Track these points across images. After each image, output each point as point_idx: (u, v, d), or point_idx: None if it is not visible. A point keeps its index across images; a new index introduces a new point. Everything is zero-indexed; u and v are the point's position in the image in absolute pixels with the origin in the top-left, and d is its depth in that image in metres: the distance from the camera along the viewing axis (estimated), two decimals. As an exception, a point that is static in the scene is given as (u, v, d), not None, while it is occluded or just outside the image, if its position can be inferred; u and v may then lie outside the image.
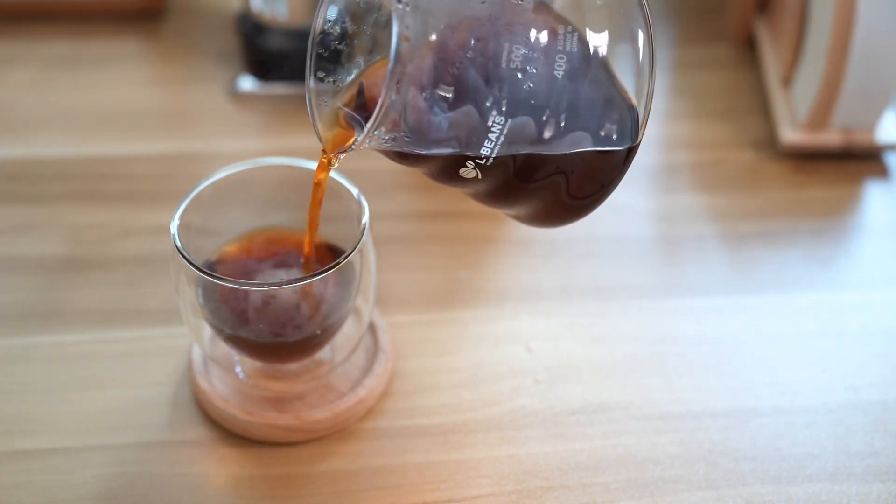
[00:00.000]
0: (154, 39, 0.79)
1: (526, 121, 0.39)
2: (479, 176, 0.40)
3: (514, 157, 0.40)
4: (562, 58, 0.38)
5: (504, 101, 0.38)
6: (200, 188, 0.49)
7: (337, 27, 0.41)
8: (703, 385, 0.54)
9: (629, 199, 0.66)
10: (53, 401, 0.52)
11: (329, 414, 0.50)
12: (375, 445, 0.51)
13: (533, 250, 0.62)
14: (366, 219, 0.48)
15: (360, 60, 0.42)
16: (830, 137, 0.68)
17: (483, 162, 0.39)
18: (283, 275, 0.50)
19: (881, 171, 0.68)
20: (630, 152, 0.41)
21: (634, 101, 0.40)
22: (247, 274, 0.50)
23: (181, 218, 0.48)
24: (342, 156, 0.43)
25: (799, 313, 0.58)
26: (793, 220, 0.65)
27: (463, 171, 0.40)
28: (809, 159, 0.69)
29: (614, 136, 0.40)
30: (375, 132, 0.38)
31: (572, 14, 0.39)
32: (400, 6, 0.36)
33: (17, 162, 0.67)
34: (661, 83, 0.76)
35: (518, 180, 0.41)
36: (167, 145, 0.69)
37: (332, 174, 0.48)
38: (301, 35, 0.71)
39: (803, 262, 0.62)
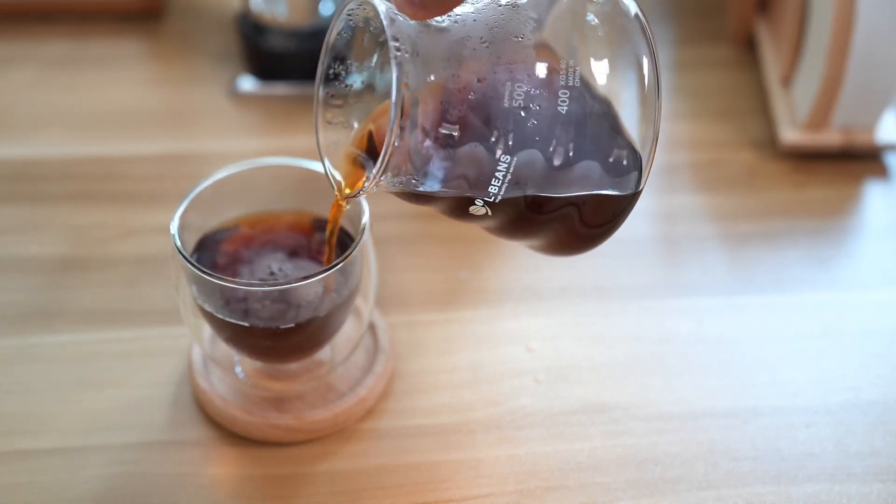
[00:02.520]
0: (154, 39, 0.79)
1: (531, 158, 0.38)
2: (489, 213, 0.40)
3: (523, 195, 0.39)
4: (565, 93, 0.38)
5: (509, 140, 0.38)
6: (200, 188, 0.49)
7: (342, 69, 0.41)
8: (703, 385, 0.54)
9: (629, 199, 0.66)
10: (53, 401, 0.52)
11: (329, 414, 0.50)
12: (375, 445, 0.51)
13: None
14: (366, 219, 0.48)
15: (367, 102, 0.42)
16: (830, 137, 0.68)
17: (491, 200, 0.39)
18: (285, 259, 0.50)
19: (881, 171, 0.68)
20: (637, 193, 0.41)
21: (638, 136, 0.40)
22: (248, 259, 0.50)
23: (181, 218, 0.48)
24: (352, 200, 0.43)
25: (799, 313, 0.58)
26: (793, 220, 0.65)
27: (472, 210, 0.40)
28: (809, 159, 0.69)
29: (624, 162, 0.40)
30: (382, 177, 0.38)
31: (576, 48, 0.39)
32: (399, 53, 0.36)
33: (17, 162, 0.67)
34: (662, 84, 0.76)
35: (529, 212, 0.40)
36: (167, 145, 0.69)
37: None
38: (301, 35, 0.71)
39: (803, 262, 0.62)
